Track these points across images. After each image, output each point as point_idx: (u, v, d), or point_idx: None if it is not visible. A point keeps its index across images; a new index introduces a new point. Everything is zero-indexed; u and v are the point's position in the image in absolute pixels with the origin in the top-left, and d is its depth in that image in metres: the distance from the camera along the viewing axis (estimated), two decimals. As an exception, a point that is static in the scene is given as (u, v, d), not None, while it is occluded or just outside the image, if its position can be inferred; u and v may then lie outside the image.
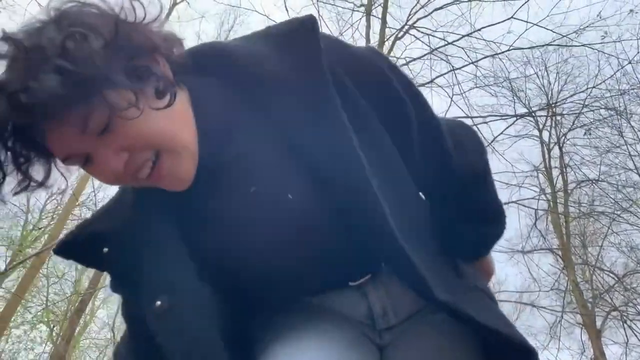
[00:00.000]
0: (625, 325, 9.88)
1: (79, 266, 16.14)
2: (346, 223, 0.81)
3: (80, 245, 0.89)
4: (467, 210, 1.01)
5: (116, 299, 13.24)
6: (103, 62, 0.66)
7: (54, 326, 14.43)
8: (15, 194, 0.74)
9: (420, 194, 1.03)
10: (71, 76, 0.64)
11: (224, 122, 0.83)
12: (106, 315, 16.88)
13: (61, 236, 0.97)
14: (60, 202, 14.66)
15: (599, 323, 11.00)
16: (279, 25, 0.85)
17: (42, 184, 0.76)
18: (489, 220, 1.05)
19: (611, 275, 11.19)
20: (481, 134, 7.24)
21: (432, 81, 8.14)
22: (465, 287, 0.93)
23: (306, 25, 0.81)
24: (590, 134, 10.40)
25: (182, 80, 0.82)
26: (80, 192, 9.94)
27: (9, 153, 0.71)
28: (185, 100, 0.81)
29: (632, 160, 9.08)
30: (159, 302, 0.80)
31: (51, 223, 13.54)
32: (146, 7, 0.76)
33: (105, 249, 0.87)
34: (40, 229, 14.71)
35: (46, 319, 14.18)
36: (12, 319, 10.90)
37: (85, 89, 0.65)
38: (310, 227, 0.81)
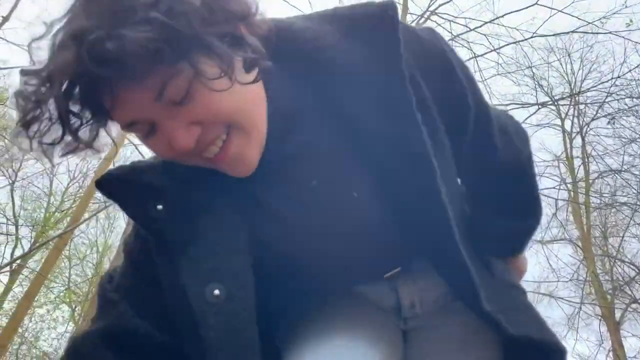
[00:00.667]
0: (645, 318, 9.76)
1: (100, 248, 16.47)
2: (403, 222, 0.81)
3: (130, 190, 0.79)
4: (505, 203, 1.00)
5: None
6: (200, 21, 0.59)
7: (75, 307, 14.76)
8: (63, 155, 0.66)
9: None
10: (164, 32, 0.56)
11: (291, 109, 0.77)
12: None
13: (110, 168, 0.87)
14: (82, 184, 14.91)
15: (618, 315, 10.88)
16: (353, 8, 0.77)
17: (92, 148, 0.67)
18: (525, 213, 1.04)
19: (632, 267, 11.03)
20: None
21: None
22: (500, 286, 0.92)
23: (387, 13, 0.74)
24: (614, 124, 10.20)
25: None
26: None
27: (64, 107, 0.62)
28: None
29: (657, 151, 8.89)
30: (216, 291, 0.73)
31: (73, 205, 13.77)
32: None
33: (160, 207, 0.78)
34: (62, 211, 14.98)
35: (68, 300, 14.50)
36: (36, 299, 11.16)
37: (177, 49, 0.58)
38: (368, 225, 0.80)
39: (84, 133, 0.66)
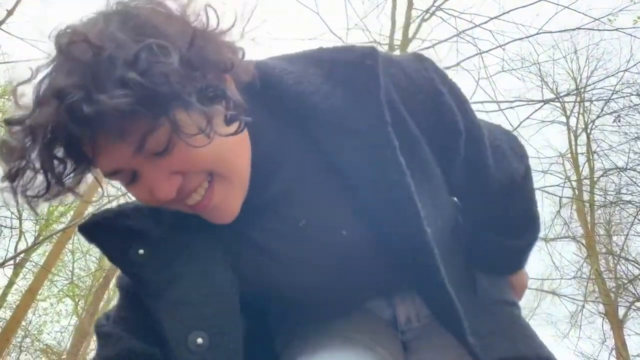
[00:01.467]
0: (649, 316, 9.74)
1: (104, 242, 16.47)
2: (392, 260, 0.83)
3: (113, 234, 0.80)
4: (499, 220, 1.00)
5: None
6: (178, 79, 0.59)
7: (79, 300, 14.82)
8: (48, 201, 0.68)
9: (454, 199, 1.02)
10: (142, 92, 0.57)
11: (276, 153, 0.78)
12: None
13: (89, 213, 0.92)
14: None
15: (621, 313, 10.85)
16: (335, 53, 0.78)
17: (74, 193, 0.70)
18: (521, 231, 1.03)
19: (636, 265, 11.00)
20: (507, 119, 7.13)
21: (458, 64, 8.00)
22: (486, 304, 0.94)
23: (367, 60, 0.76)
24: (619, 121, 10.15)
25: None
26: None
27: (47, 159, 0.64)
28: None
29: (663, 149, 8.83)
30: (199, 340, 0.73)
31: (76, 200, 13.78)
32: (219, 14, 0.69)
33: (141, 251, 0.78)
34: (66, 205, 15.00)
35: (71, 293, 14.56)
36: (39, 292, 11.20)
37: (154, 107, 0.59)
38: (359, 260, 0.82)
39: (68, 180, 0.68)
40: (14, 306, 10.29)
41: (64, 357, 10.63)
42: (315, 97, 0.75)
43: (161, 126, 0.62)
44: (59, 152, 0.65)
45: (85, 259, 15.91)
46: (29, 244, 9.40)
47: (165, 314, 0.75)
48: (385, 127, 0.74)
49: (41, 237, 10.05)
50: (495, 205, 0.98)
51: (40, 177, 0.65)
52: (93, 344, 15.62)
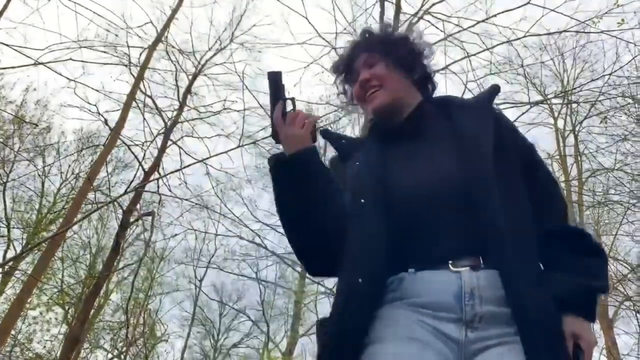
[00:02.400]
0: (638, 316, 9.82)
1: (93, 249, 16.40)
2: (466, 200, 1.15)
3: (338, 144, 1.41)
4: (565, 256, 1.17)
5: (129, 284, 13.39)
6: (412, 59, 1.41)
7: (69, 308, 14.67)
8: (347, 107, 1.55)
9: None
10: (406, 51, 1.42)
11: (428, 112, 1.36)
12: (120, 298, 17.13)
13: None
14: (74, 186, 14.82)
15: (611, 313, 10.94)
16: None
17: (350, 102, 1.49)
18: (588, 271, 1.15)
19: (625, 265, 11.10)
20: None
21: (446, 67, 8.04)
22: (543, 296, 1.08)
23: (487, 91, 1.44)
24: (606, 122, 10.25)
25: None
26: (95, 176, 10.02)
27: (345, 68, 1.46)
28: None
29: (649, 149, 8.93)
30: (362, 200, 1.18)
31: (65, 207, 13.69)
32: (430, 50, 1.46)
33: (357, 163, 1.29)
34: (55, 212, 14.90)
35: (61, 301, 14.42)
36: (29, 301, 11.08)
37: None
38: (449, 190, 1.18)
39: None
40: (3, 315, 10.17)
41: (54, 366, 10.50)
42: (459, 100, 1.44)
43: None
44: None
45: (75, 266, 15.81)
46: (18, 252, 9.29)
47: (352, 182, 1.26)
48: (490, 122, 1.28)
49: (30, 245, 9.95)
50: (563, 243, 1.20)
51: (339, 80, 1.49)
52: (84, 353, 15.49)
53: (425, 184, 1.18)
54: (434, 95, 1.44)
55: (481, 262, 1.11)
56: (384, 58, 1.34)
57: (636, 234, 11.05)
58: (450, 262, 1.11)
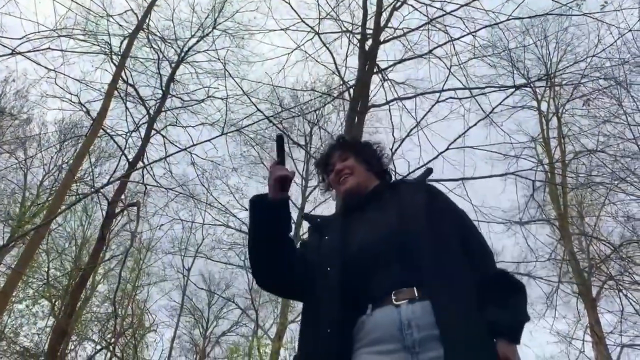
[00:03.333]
0: (621, 294, 10.00)
1: (79, 241, 16.27)
2: (403, 253, 1.51)
3: (314, 222, 1.86)
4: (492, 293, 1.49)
5: (116, 275, 13.32)
6: (375, 158, 1.92)
7: (55, 301, 14.56)
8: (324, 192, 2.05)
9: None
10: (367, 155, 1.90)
11: (378, 193, 1.79)
12: (107, 290, 17.04)
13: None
14: (57, 178, 14.65)
15: (594, 292, 11.14)
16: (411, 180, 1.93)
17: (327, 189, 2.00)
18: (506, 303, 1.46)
19: (607, 245, 11.29)
20: (479, 105, 7.20)
21: (430, 52, 8.04)
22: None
23: (423, 177, 1.85)
24: (589, 105, 10.35)
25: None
26: (78, 168, 9.90)
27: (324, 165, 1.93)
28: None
29: (631, 130, 9.04)
30: (328, 268, 1.56)
31: (49, 199, 13.53)
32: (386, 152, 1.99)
33: (326, 237, 1.70)
34: (38, 205, 14.72)
35: (48, 294, 14.31)
36: (14, 294, 10.98)
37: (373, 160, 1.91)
38: (386, 245, 1.54)
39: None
40: (-12, 309, 10.05)
41: (41, 359, 10.45)
42: (403, 185, 1.81)
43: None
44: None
45: (61, 258, 15.67)
46: (1, 245, 9.18)
47: (321, 250, 1.65)
48: (422, 196, 1.66)
49: (13, 238, 9.83)
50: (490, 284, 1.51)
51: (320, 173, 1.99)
52: (72, 345, 15.43)
53: (370, 242, 1.58)
54: (392, 177, 1.99)
55: (416, 294, 1.42)
56: (352, 155, 1.84)
57: (618, 214, 11.23)
58: (393, 297, 1.43)
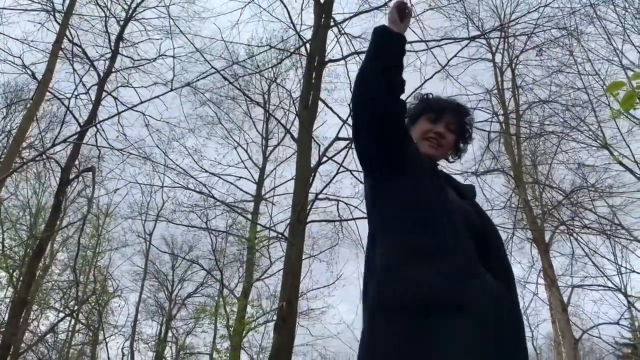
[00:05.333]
0: (572, 238, 10.45)
1: (34, 210, 15.81)
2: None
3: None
4: None
5: (75, 242, 13.06)
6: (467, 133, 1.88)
7: (13, 271, 14.24)
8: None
9: None
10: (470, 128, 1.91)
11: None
12: (66, 257, 16.76)
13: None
14: (6, 145, 14.06)
15: (547, 238, 11.61)
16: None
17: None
18: None
19: (559, 192, 11.71)
20: (435, 57, 7.20)
21: (385, 5, 7.94)
22: None
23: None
24: (542, 55, 10.50)
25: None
26: (25, 133, 9.47)
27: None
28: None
29: (582, 79, 9.21)
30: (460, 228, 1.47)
31: (-2, 167, 12.99)
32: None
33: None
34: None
35: (4, 265, 13.96)
36: (-32, 267, 10.66)
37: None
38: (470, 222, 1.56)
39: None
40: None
41: (2, 330, 10.27)
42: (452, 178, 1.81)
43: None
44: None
45: (15, 228, 15.24)
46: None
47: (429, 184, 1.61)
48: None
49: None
50: None
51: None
52: (33, 314, 15.20)
53: (487, 225, 1.61)
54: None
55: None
56: (455, 133, 1.81)
57: (570, 162, 11.62)
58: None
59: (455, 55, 6.35)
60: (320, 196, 8.00)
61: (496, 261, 1.50)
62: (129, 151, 9.16)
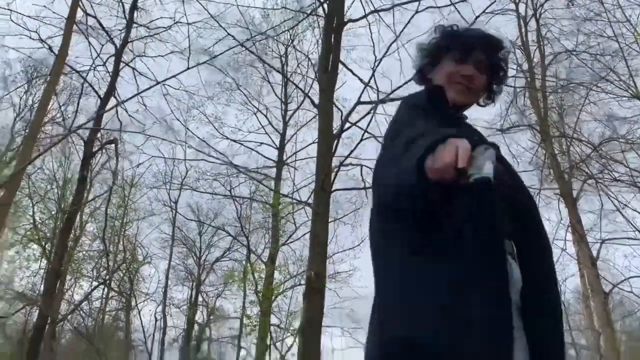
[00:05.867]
0: (601, 192, 10.25)
1: (60, 183, 16.08)
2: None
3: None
4: None
5: (102, 213, 13.29)
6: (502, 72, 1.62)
7: (45, 243, 14.61)
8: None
9: None
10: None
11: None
12: (95, 228, 17.09)
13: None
14: (29, 120, 14.21)
15: (575, 193, 11.39)
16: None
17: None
18: None
19: (588, 144, 11.41)
20: (460, 14, 6.93)
21: (403, -42, 7.62)
22: None
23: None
24: (573, 4, 10.05)
25: None
26: (46, 109, 9.53)
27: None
28: None
29: (612, 27, 8.83)
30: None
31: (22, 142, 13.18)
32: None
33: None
34: (13, 149, 14.37)
35: (37, 237, 14.32)
36: (3, 239, 10.95)
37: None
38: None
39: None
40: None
41: (39, 303, 10.59)
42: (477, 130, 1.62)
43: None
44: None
45: (44, 201, 15.54)
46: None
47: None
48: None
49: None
50: None
51: None
52: (67, 284, 15.66)
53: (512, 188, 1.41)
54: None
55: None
56: (488, 74, 1.57)
57: (599, 114, 11.27)
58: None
59: (484, 11, 6.09)
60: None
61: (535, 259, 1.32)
62: (149, 130, 9.12)
